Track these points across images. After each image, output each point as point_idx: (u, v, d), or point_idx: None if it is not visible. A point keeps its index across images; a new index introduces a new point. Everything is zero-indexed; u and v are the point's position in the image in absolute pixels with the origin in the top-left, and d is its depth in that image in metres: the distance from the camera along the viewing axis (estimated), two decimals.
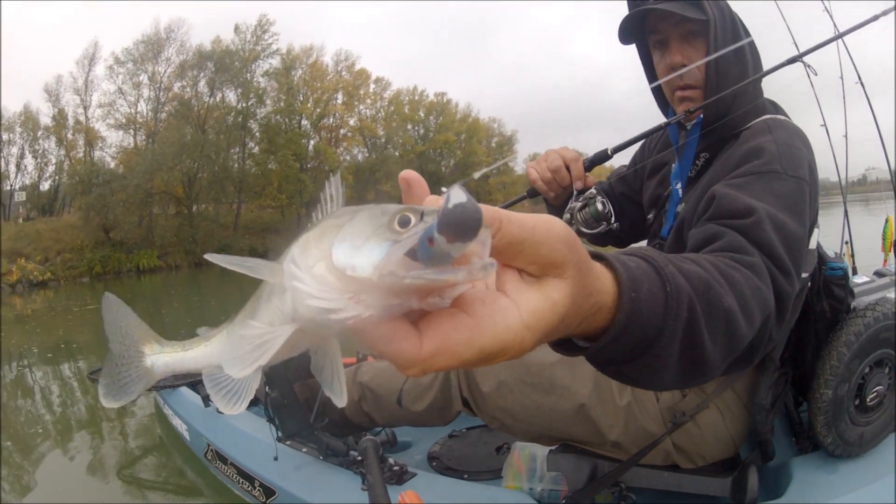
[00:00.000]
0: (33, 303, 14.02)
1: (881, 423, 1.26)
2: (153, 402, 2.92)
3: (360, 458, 1.39)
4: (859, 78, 2.47)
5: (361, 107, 36.24)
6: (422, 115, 39.24)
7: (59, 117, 26.89)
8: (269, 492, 1.57)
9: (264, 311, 0.43)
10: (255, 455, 1.68)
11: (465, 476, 1.61)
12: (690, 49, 1.14)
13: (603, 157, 1.29)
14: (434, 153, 39.24)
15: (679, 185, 1.19)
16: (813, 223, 1.01)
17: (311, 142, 33.40)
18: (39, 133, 27.11)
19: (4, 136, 25.81)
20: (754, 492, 1.15)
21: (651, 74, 1.28)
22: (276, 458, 1.58)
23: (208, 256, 0.41)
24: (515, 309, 0.37)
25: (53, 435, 3.16)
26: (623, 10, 1.20)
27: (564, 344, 0.52)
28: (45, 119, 27.15)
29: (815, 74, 1.17)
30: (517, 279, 0.38)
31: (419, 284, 0.32)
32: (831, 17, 2.43)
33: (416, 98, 39.03)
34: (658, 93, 1.28)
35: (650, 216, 1.32)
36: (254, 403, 2.22)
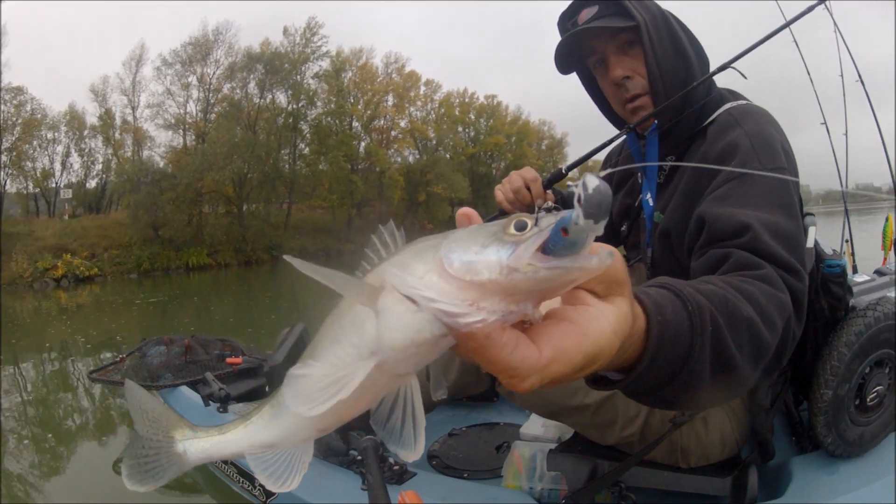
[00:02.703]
0: (78, 297, 14.43)
1: (881, 423, 1.25)
2: None
3: (360, 457, 1.39)
4: (859, 76, 2.47)
5: (412, 109, 36.54)
6: (472, 117, 39.44)
7: (106, 117, 27.28)
8: (268, 491, 1.57)
9: (329, 353, 0.41)
10: None
11: (465, 475, 1.61)
12: (629, 59, 1.13)
13: (558, 175, 1.38)
14: (484, 155, 39.48)
15: (649, 196, 1.19)
16: (801, 205, 1.01)
17: (362, 143, 33.66)
18: (86, 132, 27.52)
19: (49, 135, 26.22)
20: (754, 491, 1.15)
21: (598, 98, 1.29)
22: None
23: (287, 258, 0.41)
24: (603, 316, 0.40)
25: (54, 433, 3.16)
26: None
27: (599, 380, 0.55)
28: (92, 119, 27.58)
29: (745, 78, 1.16)
30: (589, 296, 0.40)
31: (551, 276, 0.33)
32: (832, 15, 2.43)
33: (467, 100, 39.20)
34: (611, 113, 1.28)
35: (623, 228, 1.35)
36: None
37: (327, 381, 0.38)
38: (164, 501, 2.18)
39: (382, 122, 34.91)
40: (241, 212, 26.83)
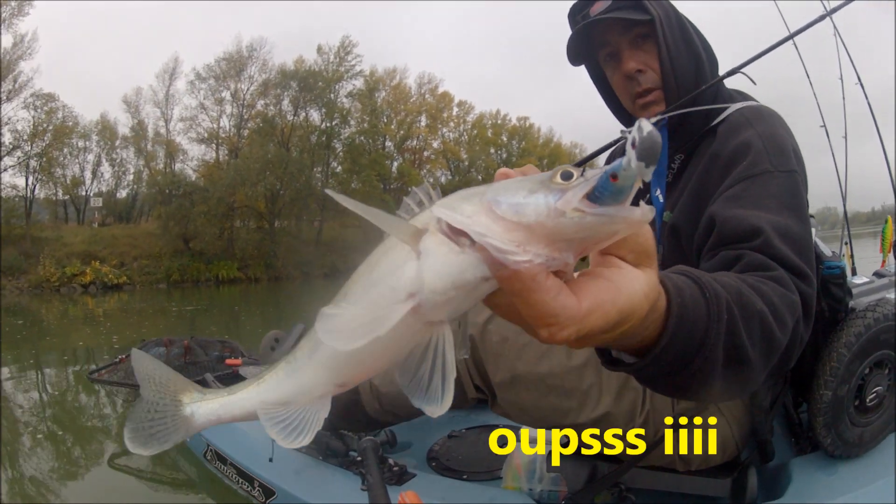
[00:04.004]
0: (106, 304, 14.55)
1: (881, 424, 1.25)
2: None
3: (359, 458, 1.39)
4: (859, 79, 2.48)
5: (444, 129, 36.62)
6: (504, 139, 39.36)
7: (139, 128, 27.59)
8: (268, 492, 1.57)
9: (364, 295, 0.40)
10: (255, 455, 1.68)
11: (465, 476, 1.61)
12: (642, 53, 1.13)
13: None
14: None
15: (659, 192, 1.18)
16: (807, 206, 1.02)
17: (395, 163, 33.82)
18: (117, 142, 27.90)
19: (80, 143, 26.58)
20: (754, 492, 1.15)
21: (606, 93, 1.28)
22: (270, 459, 1.58)
23: (329, 191, 0.42)
24: (636, 278, 0.42)
25: (56, 432, 3.16)
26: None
27: (614, 362, 0.57)
28: (124, 129, 27.89)
29: (755, 84, 1.16)
30: (621, 261, 0.42)
31: (597, 223, 0.35)
32: (831, 17, 2.43)
33: (499, 122, 39.21)
34: (618, 108, 1.28)
35: None
36: None
37: (363, 320, 0.37)
38: (165, 501, 2.18)
39: (415, 142, 35.15)
40: (273, 227, 27.03)
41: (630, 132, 0.34)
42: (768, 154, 0.98)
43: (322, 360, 0.44)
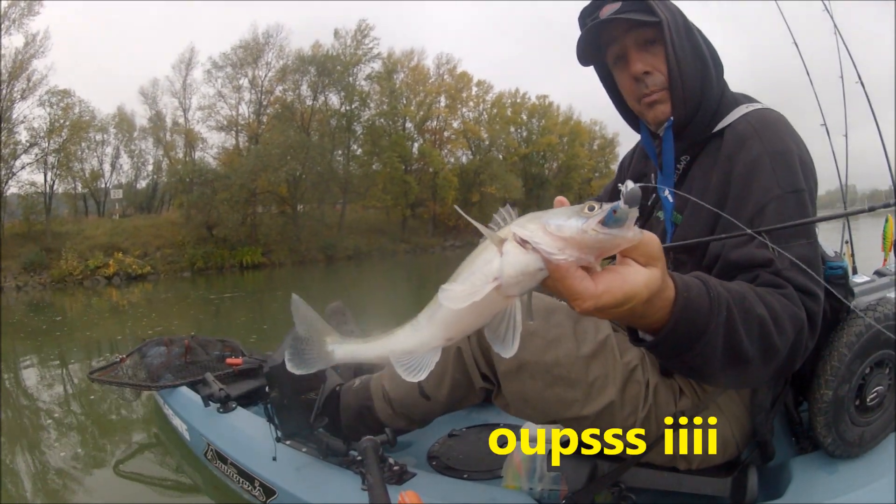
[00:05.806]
0: (131, 294, 14.54)
1: (881, 424, 1.25)
2: (153, 402, 2.91)
3: (359, 458, 1.39)
4: (859, 78, 2.47)
5: (464, 109, 36.26)
6: (524, 117, 39.05)
7: (157, 119, 27.51)
8: (269, 492, 1.57)
9: (467, 279, 0.60)
10: (255, 455, 1.68)
11: (465, 476, 1.61)
12: (650, 55, 1.14)
13: None
14: (537, 156, 39.21)
15: (667, 193, 1.20)
16: (814, 207, 1.07)
17: (416, 144, 33.49)
18: (135, 134, 27.88)
19: (98, 137, 26.50)
20: (754, 492, 1.15)
21: (614, 94, 1.30)
22: (274, 459, 1.58)
23: (457, 207, 0.70)
24: (639, 273, 0.62)
25: (55, 432, 3.16)
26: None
27: (638, 339, 0.77)
28: (141, 121, 27.79)
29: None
30: (634, 262, 0.63)
31: (606, 238, 0.55)
32: (832, 16, 2.43)
33: (519, 101, 38.80)
34: (626, 110, 1.30)
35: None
36: (253, 403, 2.22)
37: (466, 292, 0.57)
38: (165, 501, 2.18)
39: (435, 122, 34.79)
40: (296, 212, 26.88)
41: (623, 188, 0.52)
42: (776, 175, 1.01)
43: (438, 321, 0.63)
